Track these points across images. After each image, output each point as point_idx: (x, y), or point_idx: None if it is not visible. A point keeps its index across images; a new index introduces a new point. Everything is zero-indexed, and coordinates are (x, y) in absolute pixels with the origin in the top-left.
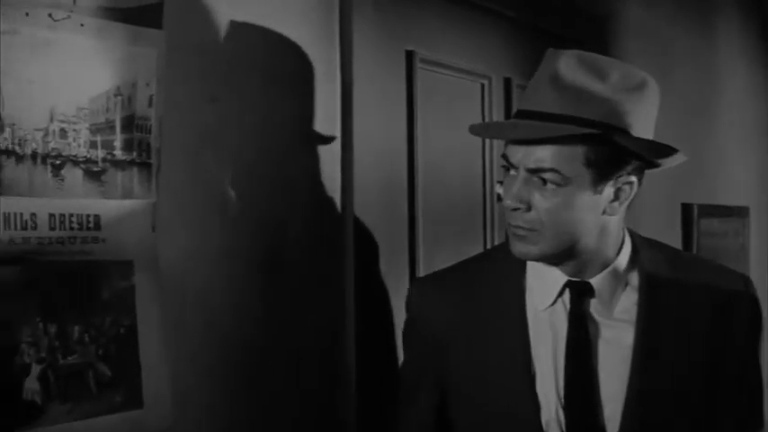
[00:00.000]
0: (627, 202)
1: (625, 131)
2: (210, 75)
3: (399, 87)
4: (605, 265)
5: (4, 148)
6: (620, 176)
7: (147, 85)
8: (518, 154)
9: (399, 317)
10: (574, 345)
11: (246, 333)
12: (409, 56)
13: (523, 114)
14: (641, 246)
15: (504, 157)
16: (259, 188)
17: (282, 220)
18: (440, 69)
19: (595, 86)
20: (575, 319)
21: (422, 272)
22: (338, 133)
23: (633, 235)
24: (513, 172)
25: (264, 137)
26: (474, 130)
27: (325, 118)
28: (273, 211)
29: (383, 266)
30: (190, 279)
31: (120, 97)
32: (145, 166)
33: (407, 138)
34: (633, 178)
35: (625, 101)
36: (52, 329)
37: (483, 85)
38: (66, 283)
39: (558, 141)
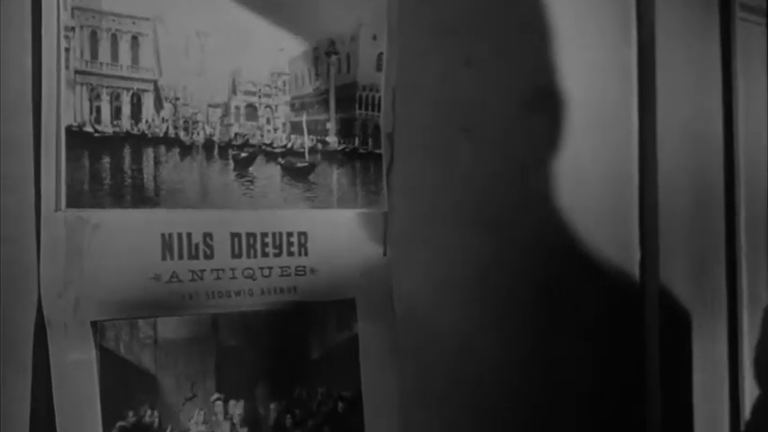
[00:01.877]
0: None
1: None
2: (464, 28)
3: (711, 45)
4: None
5: (162, 134)
6: None
7: (375, 38)
8: None
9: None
10: None
11: (513, 403)
12: (725, 1)
13: None
14: None
15: None
16: (531, 189)
17: (561, 235)
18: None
19: None
20: None
21: (745, 299)
22: (635, 112)
23: None
24: None
25: (536, 117)
26: None
27: (619, 91)
28: (550, 224)
29: (691, 291)
30: (434, 325)
31: (335, 57)
32: (371, 159)
33: (723, 115)
34: None
35: None
36: (237, 411)
37: None
38: (257, 338)
39: None
